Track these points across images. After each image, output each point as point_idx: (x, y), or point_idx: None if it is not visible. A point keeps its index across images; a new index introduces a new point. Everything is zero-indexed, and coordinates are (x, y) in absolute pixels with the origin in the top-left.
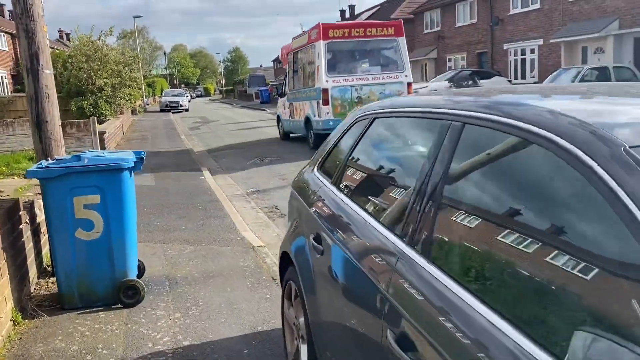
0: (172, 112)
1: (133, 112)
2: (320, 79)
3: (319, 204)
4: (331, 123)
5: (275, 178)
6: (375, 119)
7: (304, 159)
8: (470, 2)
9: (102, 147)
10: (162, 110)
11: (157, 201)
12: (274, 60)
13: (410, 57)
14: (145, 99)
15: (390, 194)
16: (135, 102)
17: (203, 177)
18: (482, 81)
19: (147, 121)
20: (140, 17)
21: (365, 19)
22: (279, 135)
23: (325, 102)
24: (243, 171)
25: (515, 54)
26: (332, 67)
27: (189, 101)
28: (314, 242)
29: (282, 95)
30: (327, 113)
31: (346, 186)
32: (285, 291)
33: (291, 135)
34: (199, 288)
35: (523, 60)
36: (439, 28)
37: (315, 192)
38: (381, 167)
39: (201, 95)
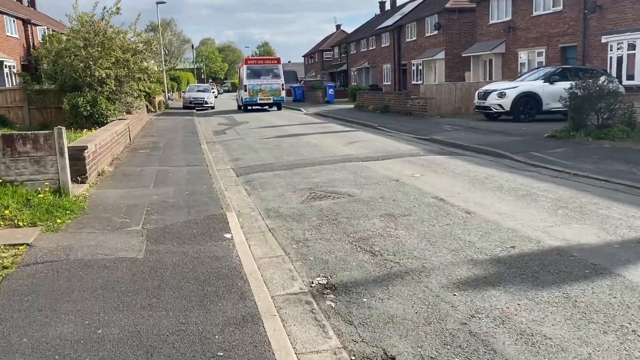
0: (197, 110)
1: (149, 109)
2: (243, 81)
3: None
4: (247, 99)
5: (356, 247)
6: None
7: (382, 212)
8: None
9: (81, 172)
10: (185, 107)
11: (136, 321)
12: (304, 56)
13: (470, 52)
14: (168, 94)
15: None
16: (155, 97)
17: (229, 237)
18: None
19: (166, 121)
20: (164, 2)
21: (411, 10)
22: (236, 106)
23: (245, 90)
24: (294, 222)
25: (620, 49)
26: (248, 76)
27: (216, 97)
28: None
29: (238, 88)
30: (246, 95)
31: None
32: None
33: (241, 106)
34: None
35: (630, 57)
36: (509, 18)
37: None
38: None
39: (229, 91)
